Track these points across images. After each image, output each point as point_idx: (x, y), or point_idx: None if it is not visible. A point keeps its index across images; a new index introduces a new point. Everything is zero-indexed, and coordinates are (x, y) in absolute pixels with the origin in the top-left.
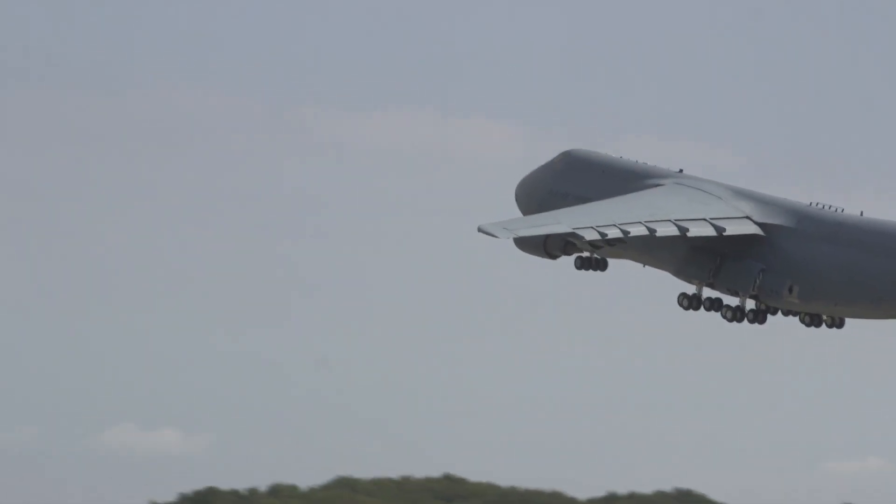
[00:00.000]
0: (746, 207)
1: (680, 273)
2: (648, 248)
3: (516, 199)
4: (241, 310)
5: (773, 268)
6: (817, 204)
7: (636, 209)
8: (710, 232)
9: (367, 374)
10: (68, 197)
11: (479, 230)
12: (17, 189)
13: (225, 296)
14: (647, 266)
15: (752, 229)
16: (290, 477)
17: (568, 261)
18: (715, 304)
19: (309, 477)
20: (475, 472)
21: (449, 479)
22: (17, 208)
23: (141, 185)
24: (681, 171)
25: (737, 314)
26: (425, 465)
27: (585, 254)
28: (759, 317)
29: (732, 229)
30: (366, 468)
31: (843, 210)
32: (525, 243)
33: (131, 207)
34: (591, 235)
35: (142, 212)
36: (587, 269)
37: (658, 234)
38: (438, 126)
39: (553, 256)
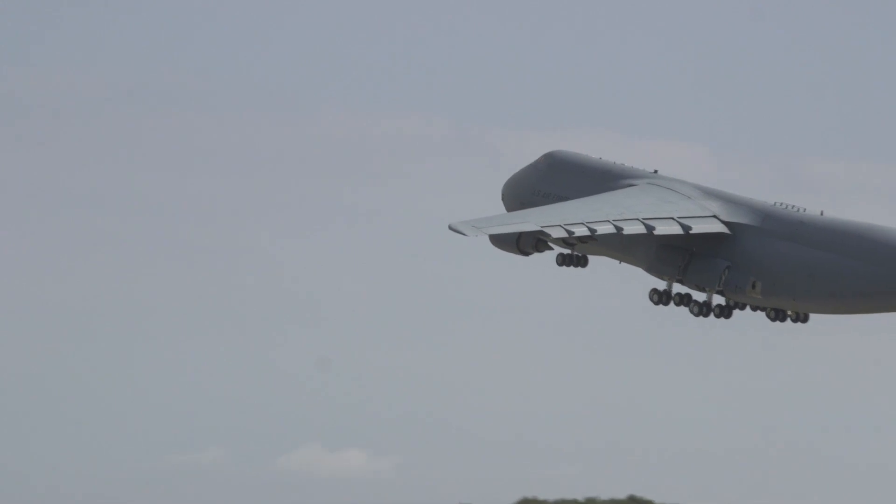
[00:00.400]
0: (714, 207)
1: (651, 269)
2: (622, 246)
3: (502, 198)
4: (425, 329)
5: (737, 265)
6: (781, 204)
7: (606, 208)
8: (677, 230)
9: (544, 395)
10: (251, 219)
11: (450, 228)
12: (199, 212)
13: (408, 317)
14: (622, 263)
15: (719, 228)
16: (474, 499)
17: (544, 258)
18: (684, 300)
19: (493, 499)
20: (661, 493)
21: (634, 501)
22: (202, 230)
23: (339, 209)
24: (655, 171)
25: (703, 309)
26: (610, 487)
27: (567, 251)
28: (725, 311)
29: (699, 228)
30: (550, 489)
31: (805, 210)
32: (500, 241)
33: (329, 232)
34: (557, 233)
35: (343, 237)
36: (568, 265)
37: (625, 232)
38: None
39: (526, 253)
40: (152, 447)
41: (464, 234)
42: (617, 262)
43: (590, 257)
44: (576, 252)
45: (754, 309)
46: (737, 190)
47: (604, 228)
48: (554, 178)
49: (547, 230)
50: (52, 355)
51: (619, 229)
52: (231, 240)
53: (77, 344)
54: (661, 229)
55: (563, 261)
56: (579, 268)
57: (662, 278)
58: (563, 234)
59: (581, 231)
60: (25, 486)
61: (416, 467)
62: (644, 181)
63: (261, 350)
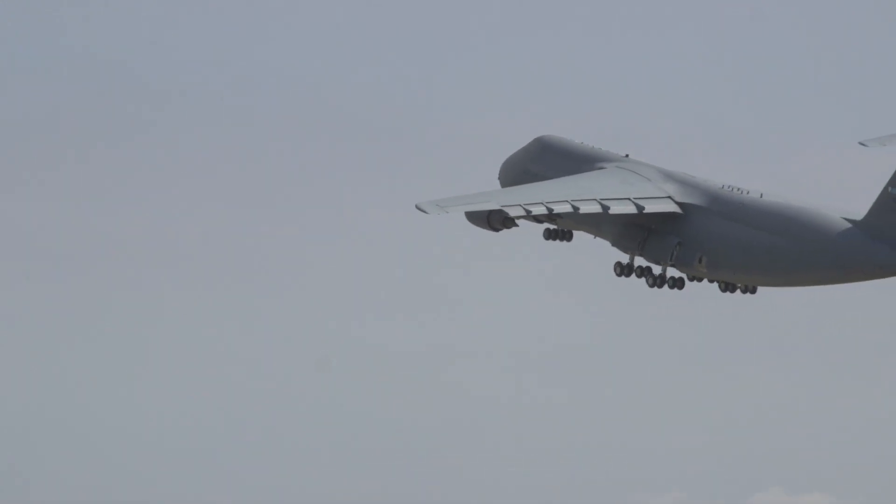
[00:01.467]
0: (671, 189)
1: (616, 244)
2: (596, 223)
3: (499, 177)
4: None
5: (687, 241)
6: (728, 186)
7: (567, 188)
8: (632, 209)
9: None
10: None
11: (417, 207)
12: None
13: None
14: (596, 237)
15: (672, 208)
16: None
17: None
18: (644, 272)
19: None
20: None
21: None
22: None
23: None
24: (626, 156)
25: (657, 281)
26: None
27: (553, 226)
28: (678, 283)
29: (652, 207)
30: None
31: (748, 192)
32: (473, 217)
33: None
34: (516, 212)
35: None
36: (554, 239)
37: (581, 211)
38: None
39: (496, 229)
40: (613, 487)
41: (426, 213)
42: (592, 236)
43: (574, 232)
44: (560, 227)
45: (711, 282)
46: (698, 172)
47: (561, 208)
48: (540, 160)
49: (506, 209)
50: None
51: (575, 208)
52: None
53: None
54: (616, 208)
55: (549, 235)
56: (565, 241)
57: (626, 252)
58: (522, 213)
59: (539, 210)
60: None
61: None
62: (614, 164)
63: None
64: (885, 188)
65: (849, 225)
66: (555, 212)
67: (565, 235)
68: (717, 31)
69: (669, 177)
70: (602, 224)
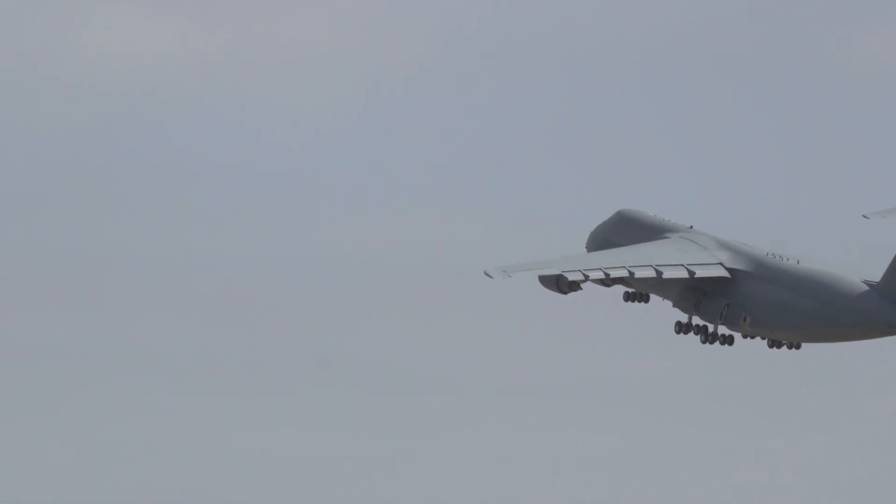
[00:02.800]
0: (723, 256)
1: (677, 305)
2: (660, 286)
3: (586, 246)
4: None
5: (734, 302)
6: (772, 254)
7: (626, 256)
8: (683, 274)
9: None
10: None
11: (484, 273)
12: None
13: None
14: (664, 300)
15: (722, 273)
16: None
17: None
18: (700, 330)
19: None
20: None
21: None
22: None
23: None
24: (691, 227)
25: (709, 337)
26: None
27: (631, 290)
28: (728, 340)
29: (703, 273)
30: None
31: (787, 258)
32: (544, 282)
33: None
34: (574, 277)
35: None
36: (632, 301)
37: (637, 276)
38: None
39: (563, 292)
40: None
41: (491, 278)
42: (661, 298)
43: (651, 295)
44: (637, 291)
45: (763, 339)
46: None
47: (617, 273)
48: (617, 231)
49: (566, 274)
50: None
51: (631, 273)
52: None
53: None
54: (669, 273)
55: (628, 297)
56: (643, 303)
57: (685, 312)
58: (580, 278)
59: (596, 275)
60: None
61: None
62: (677, 234)
63: None
64: None
65: (866, 288)
66: (611, 276)
67: (643, 297)
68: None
69: (724, 245)
70: (666, 288)
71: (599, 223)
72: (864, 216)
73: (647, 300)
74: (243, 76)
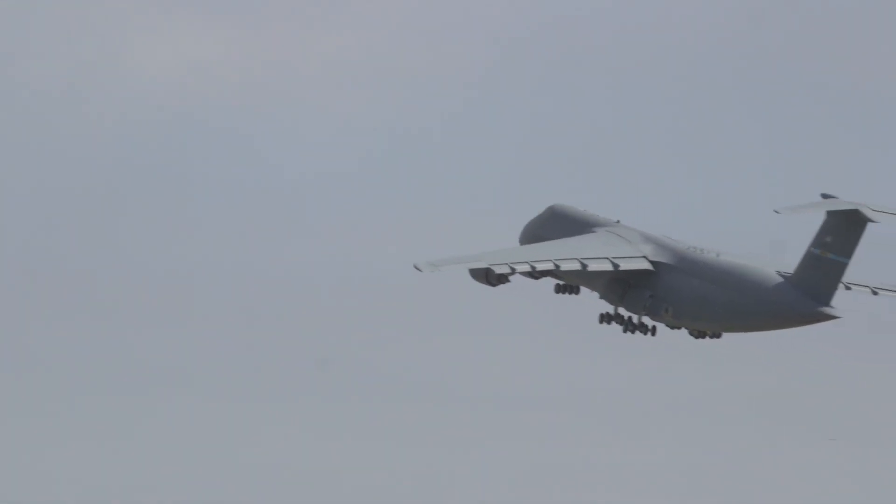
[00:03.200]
0: (647, 249)
1: (603, 297)
2: (588, 279)
3: (519, 239)
4: None
5: (657, 294)
6: (693, 247)
7: (552, 250)
8: (608, 267)
9: None
10: None
11: (414, 267)
12: None
13: None
14: (593, 291)
15: (646, 266)
16: None
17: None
18: (624, 321)
19: None
20: None
21: None
22: None
23: None
24: (617, 221)
25: (631, 327)
26: None
27: (562, 282)
28: (651, 330)
29: (626, 266)
30: None
31: (708, 252)
32: (475, 275)
33: None
34: (501, 270)
35: None
36: (563, 293)
37: (562, 269)
38: None
39: (492, 284)
40: None
41: (420, 271)
42: (590, 290)
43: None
44: (567, 283)
45: (680, 329)
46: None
47: (543, 266)
48: (548, 226)
49: (493, 267)
50: None
51: (557, 266)
52: None
53: None
54: (594, 266)
55: (559, 289)
56: (573, 294)
57: (611, 304)
58: (507, 270)
59: (522, 268)
60: None
61: None
62: (604, 229)
63: None
64: (809, 248)
65: (781, 280)
66: (538, 269)
67: (573, 290)
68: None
69: (648, 239)
70: (593, 280)
71: (533, 217)
72: (776, 211)
73: (577, 292)
74: (289, 90)
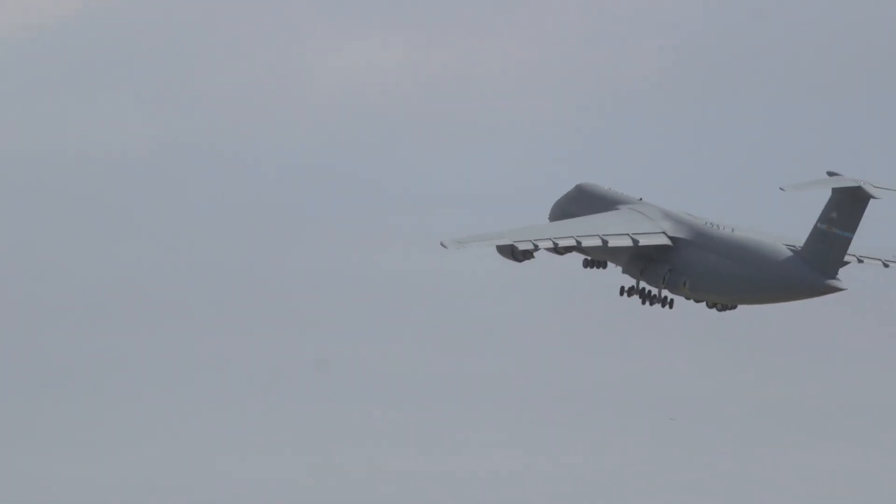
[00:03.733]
0: (666, 225)
1: (625, 271)
2: (612, 254)
3: (548, 216)
4: None
5: (675, 268)
6: (710, 223)
7: (575, 227)
8: (628, 242)
9: None
10: None
11: (441, 244)
12: None
13: None
14: (617, 265)
15: (664, 241)
16: None
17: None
18: (643, 294)
19: None
20: None
21: None
22: None
23: None
24: (640, 199)
25: (650, 300)
26: None
27: (589, 257)
28: (669, 303)
29: (646, 241)
30: None
31: (724, 227)
32: (501, 251)
33: None
34: (524, 246)
35: None
36: (591, 267)
37: (584, 245)
38: None
39: (518, 260)
40: None
41: (447, 248)
42: (614, 265)
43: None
44: (593, 258)
45: (698, 301)
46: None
47: (565, 242)
48: (575, 203)
49: (516, 244)
50: None
51: (578, 243)
52: None
53: None
54: (614, 242)
55: (586, 264)
56: (601, 269)
57: (632, 277)
58: (530, 247)
59: (545, 244)
60: None
61: None
62: (627, 206)
63: None
64: (815, 224)
65: (791, 254)
66: (560, 245)
67: (601, 264)
68: None
69: (668, 215)
70: (616, 255)
71: (562, 195)
72: (781, 188)
73: (604, 266)
74: (468, 95)
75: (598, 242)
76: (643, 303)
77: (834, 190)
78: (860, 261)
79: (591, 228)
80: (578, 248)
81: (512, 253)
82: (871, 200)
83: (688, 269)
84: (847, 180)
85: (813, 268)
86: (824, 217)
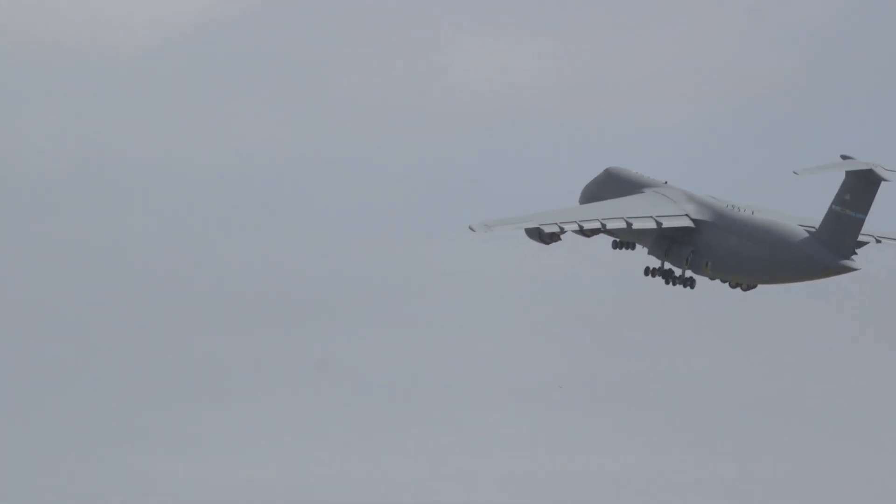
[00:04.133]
0: (689, 208)
1: (650, 252)
2: (638, 236)
3: (579, 199)
4: None
5: (698, 250)
6: (731, 206)
7: (601, 209)
8: (651, 225)
9: None
10: None
11: (469, 228)
12: None
13: None
14: (643, 247)
15: (687, 223)
16: None
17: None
18: (667, 274)
19: None
20: None
21: None
22: None
23: None
24: (665, 182)
25: (672, 280)
26: None
27: (617, 239)
28: (690, 282)
29: (669, 224)
30: None
31: (744, 209)
32: (529, 234)
33: None
34: (550, 229)
35: None
36: (620, 248)
37: (609, 227)
38: None
39: (546, 243)
40: None
41: (474, 231)
42: (641, 246)
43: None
44: (621, 240)
45: (723, 281)
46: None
47: (591, 225)
48: (604, 187)
49: (542, 227)
50: None
51: (603, 225)
52: None
53: None
54: (638, 224)
55: (615, 246)
56: (630, 250)
57: (658, 259)
58: (556, 230)
59: (571, 227)
60: None
61: None
62: (652, 189)
63: None
64: (830, 206)
65: (806, 235)
66: (585, 228)
67: (630, 246)
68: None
69: (692, 198)
70: (642, 237)
71: (592, 178)
72: (795, 172)
73: (633, 248)
74: (603, 95)
75: (622, 225)
76: (666, 283)
77: (847, 173)
78: (878, 241)
79: (616, 211)
80: (604, 230)
81: (539, 235)
82: (883, 183)
83: (709, 250)
84: (859, 163)
85: (829, 249)
86: (838, 199)
